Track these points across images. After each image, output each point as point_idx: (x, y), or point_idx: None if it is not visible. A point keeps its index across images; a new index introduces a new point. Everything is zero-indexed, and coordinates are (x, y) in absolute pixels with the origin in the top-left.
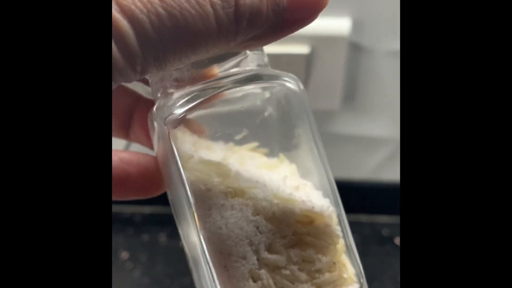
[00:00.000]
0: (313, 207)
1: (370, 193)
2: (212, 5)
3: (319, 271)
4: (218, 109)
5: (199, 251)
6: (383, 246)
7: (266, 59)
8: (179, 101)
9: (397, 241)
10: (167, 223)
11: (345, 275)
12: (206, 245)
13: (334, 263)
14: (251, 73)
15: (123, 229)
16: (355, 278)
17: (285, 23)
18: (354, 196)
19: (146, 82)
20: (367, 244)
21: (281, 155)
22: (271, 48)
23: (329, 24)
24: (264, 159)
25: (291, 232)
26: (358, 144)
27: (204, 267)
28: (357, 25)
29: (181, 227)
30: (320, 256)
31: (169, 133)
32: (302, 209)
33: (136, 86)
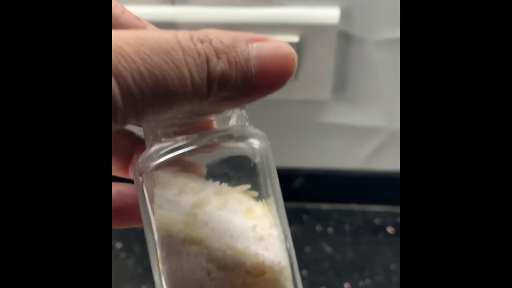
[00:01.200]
0: (263, 261)
1: (362, 183)
2: (188, 69)
3: None
4: (215, 153)
5: (158, 286)
6: (375, 235)
7: (246, 116)
8: (155, 154)
9: (389, 230)
10: None
11: None
12: (164, 283)
13: None
14: (225, 133)
15: None
16: None
17: (253, 88)
18: (346, 185)
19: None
20: (359, 233)
21: (264, 201)
22: None
23: (318, 13)
24: (251, 203)
25: (241, 282)
26: (349, 134)
27: None
28: (346, 14)
29: (151, 263)
30: None
31: (142, 182)
32: (254, 262)
33: (137, 129)
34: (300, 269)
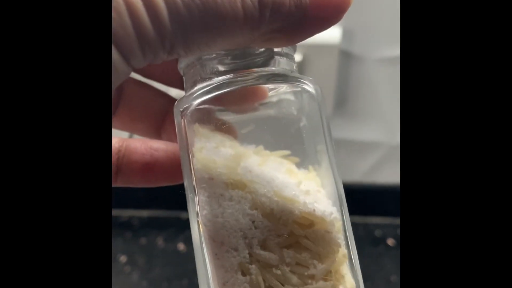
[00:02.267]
0: (314, 210)
1: (362, 195)
2: None
3: (312, 277)
4: (256, 113)
5: (195, 236)
6: (376, 247)
7: (295, 66)
8: (197, 92)
9: (390, 242)
10: (165, 227)
11: (341, 287)
12: (202, 231)
13: (331, 272)
14: (275, 72)
15: (121, 233)
16: None
17: (307, 20)
18: (348, 198)
19: (181, 86)
20: (360, 245)
21: (311, 167)
22: None
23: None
24: (292, 166)
25: (288, 232)
26: (350, 148)
27: (197, 251)
28: (347, 34)
29: (188, 212)
30: (315, 262)
31: (184, 123)
32: (302, 211)
33: (170, 90)
34: None
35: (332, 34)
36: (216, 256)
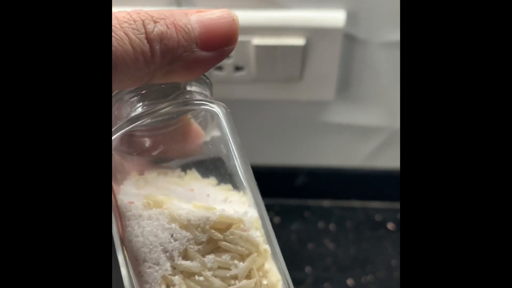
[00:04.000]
0: (230, 214)
1: (363, 180)
2: (124, 32)
3: (235, 277)
4: (197, 155)
5: (121, 260)
6: (376, 231)
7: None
8: (113, 129)
9: (390, 226)
10: None
11: (264, 282)
12: (125, 254)
13: (253, 269)
14: (179, 100)
15: None
16: (281, 286)
17: (201, 48)
18: (348, 183)
19: None
20: (360, 230)
21: (242, 192)
22: (267, 40)
23: (324, 16)
24: (226, 190)
25: (206, 238)
26: (352, 133)
27: (124, 275)
28: (351, 17)
29: (113, 238)
30: (236, 262)
31: None
32: (219, 216)
33: None
34: (304, 265)
35: (336, 17)
36: (140, 274)
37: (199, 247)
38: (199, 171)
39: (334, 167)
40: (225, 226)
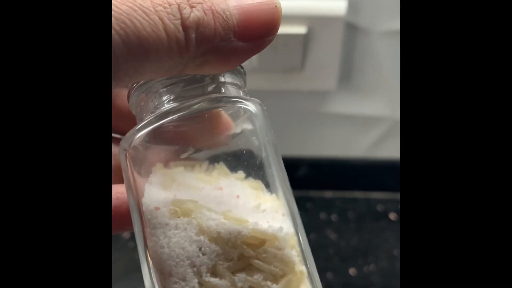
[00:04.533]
0: (264, 228)
1: (365, 171)
2: (159, 16)
3: None
4: (227, 147)
5: (145, 271)
6: (378, 222)
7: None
8: (140, 125)
9: (392, 216)
10: None
11: None
12: (150, 265)
13: None
14: (217, 96)
15: None
16: None
17: (238, 39)
18: (350, 173)
19: None
20: (362, 220)
21: (275, 194)
22: None
23: (325, 4)
24: (259, 191)
25: (237, 254)
26: (354, 123)
27: (148, 286)
28: (352, 6)
29: (137, 246)
30: (269, 283)
31: (127, 158)
32: (251, 230)
33: None
34: None
35: (337, 6)
36: None
37: (229, 263)
38: (227, 164)
39: (336, 158)
40: (258, 242)
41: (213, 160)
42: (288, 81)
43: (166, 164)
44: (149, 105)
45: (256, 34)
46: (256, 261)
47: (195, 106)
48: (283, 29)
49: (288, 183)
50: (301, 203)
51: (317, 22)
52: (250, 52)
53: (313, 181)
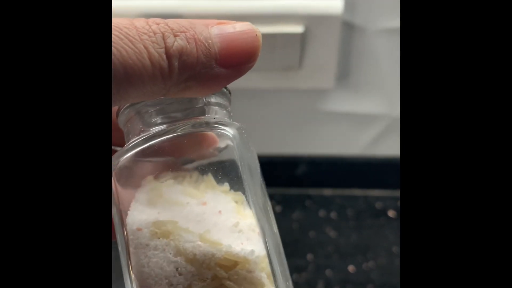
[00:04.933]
0: (236, 251)
1: (364, 168)
2: (144, 45)
3: None
4: (213, 158)
5: (127, 287)
6: (377, 219)
7: (229, 116)
8: (128, 146)
9: (390, 213)
10: None
11: None
12: (133, 282)
13: None
14: (199, 121)
15: None
16: None
17: (219, 66)
18: (349, 171)
19: None
20: (361, 217)
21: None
22: (266, 28)
23: (322, 3)
24: (239, 205)
25: (211, 275)
26: (352, 121)
27: None
28: (349, 4)
29: (122, 265)
30: None
31: (114, 179)
32: (225, 253)
33: None
34: (305, 253)
35: (333, 4)
36: None
37: (203, 284)
38: (214, 175)
39: (335, 156)
40: (230, 264)
41: (203, 170)
42: (286, 79)
43: (156, 176)
44: (136, 126)
45: (237, 61)
46: (228, 282)
47: (178, 130)
48: (280, 28)
49: (263, 202)
50: (300, 201)
51: (314, 21)
52: (231, 78)
53: (312, 179)
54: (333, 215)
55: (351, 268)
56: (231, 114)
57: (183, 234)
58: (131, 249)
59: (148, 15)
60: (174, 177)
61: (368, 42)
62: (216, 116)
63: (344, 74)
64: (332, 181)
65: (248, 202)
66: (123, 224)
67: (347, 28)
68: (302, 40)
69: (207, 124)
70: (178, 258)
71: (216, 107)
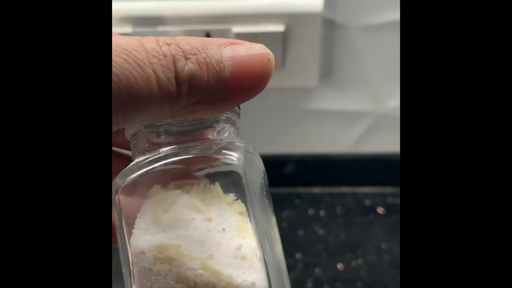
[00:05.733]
0: (237, 283)
1: (351, 166)
2: (153, 69)
3: None
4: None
5: None
6: (366, 216)
7: (239, 135)
8: (134, 167)
9: (380, 210)
10: None
11: None
12: None
13: None
14: (210, 144)
15: None
16: None
17: (229, 91)
18: (337, 169)
19: None
20: (351, 215)
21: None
22: (247, 28)
23: (302, 1)
24: (243, 218)
25: None
26: (338, 119)
27: None
28: (329, 2)
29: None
30: None
31: (118, 199)
32: (226, 284)
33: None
34: (294, 252)
35: (313, 2)
36: None
37: None
38: (221, 183)
39: (322, 154)
40: None
41: (211, 178)
42: (270, 79)
43: (163, 184)
44: (142, 143)
45: (247, 86)
46: None
47: (184, 154)
48: (260, 27)
49: (267, 227)
50: (289, 200)
51: (294, 19)
52: (239, 102)
53: (300, 178)
54: (322, 213)
55: (340, 266)
56: (240, 130)
57: (185, 261)
58: (135, 272)
59: (132, 17)
60: (182, 186)
61: (350, 39)
62: (225, 135)
63: (328, 72)
64: (321, 179)
65: (250, 219)
66: (127, 245)
67: (329, 26)
68: (283, 39)
69: (215, 149)
70: (180, 286)
71: (225, 124)
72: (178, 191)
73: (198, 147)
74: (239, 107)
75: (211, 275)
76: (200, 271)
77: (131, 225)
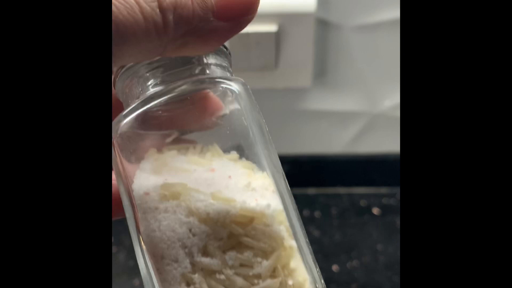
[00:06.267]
0: (251, 206)
1: (346, 166)
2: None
3: (258, 276)
4: (217, 127)
5: (139, 254)
6: (361, 217)
7: (230, 73)
8: (126, 111)
9: (375, 211)
10: None
11: (290, 282)
12: (143, 249)
13: (278, 268)
14: (201, 78)
15: None
16: (309, 286)
17: (217, 19)
18: (331, 169)
19: None
20: (346, 216)
21: (265, 172)
22: None
23: (295, 1)
24: (249, 170)
25: (227, 233)
26: (332, 119)
27: (142, 270)
28: (322, 2)
29: (130, 232)
30: (259, 259)
31: (116, 144)
32: (240, 208)
33: None
34: None
35: (306, 2)
36: (159, 271)
37: (219, 242)
38: (220, 145)
39: (317, 155)
40: (246, 220)
41: (207, 141)
42: (263, 79)
43: (159, 149)
44: (134, 91)
45: (235, 13)
46: (245, 238)
47: (178, 89)
48: (254, 28)
49: (276, 160)
50: None
51: (287, 20)
52: (230, 32)
53: (295, 179)
54: (317, 214)
55: (335, 267)
56: (233, 76)
57: (194, 194)
58: (139, 215)
59: None
60: (178, 149)
61: (344, 39)
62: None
63: (321, 72)
64: (316, 180)
65: (263, 165)
66: (129, 191)
67: (322, 26)
68: (276, 39)
69: (210, 80)
70: (191, 219)
71: (217, 68)
72: (174, 152)
73: (190, 82)
74: (230, 53)
75: (223, 203)
76: (211, 201)
77: (130, 177)
